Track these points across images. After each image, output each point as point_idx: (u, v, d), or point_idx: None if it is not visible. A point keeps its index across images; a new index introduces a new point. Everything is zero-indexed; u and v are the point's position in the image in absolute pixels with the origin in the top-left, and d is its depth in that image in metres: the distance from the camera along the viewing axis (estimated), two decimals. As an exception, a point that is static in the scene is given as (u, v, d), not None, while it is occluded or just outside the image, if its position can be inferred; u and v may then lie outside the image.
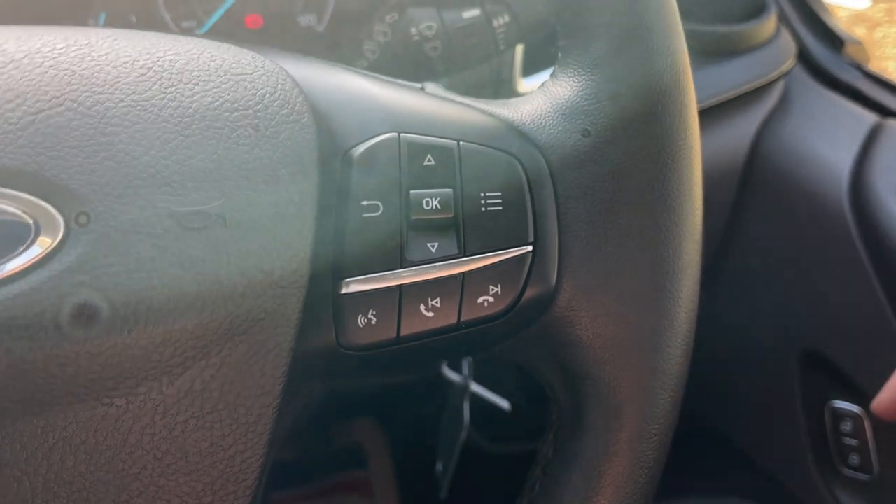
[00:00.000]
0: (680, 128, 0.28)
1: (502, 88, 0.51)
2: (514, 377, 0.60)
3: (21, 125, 0.23)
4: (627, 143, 0.28)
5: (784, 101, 0.65)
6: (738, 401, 0.64)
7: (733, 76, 0.62)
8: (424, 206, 0.27)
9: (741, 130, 0.62)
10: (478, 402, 0.63)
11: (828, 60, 0.69)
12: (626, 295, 0.28)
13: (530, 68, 0.52)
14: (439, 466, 0.60)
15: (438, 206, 0.27)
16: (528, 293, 0.28)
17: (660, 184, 0.28)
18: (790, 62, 0.66)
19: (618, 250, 0.28)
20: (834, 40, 0.71)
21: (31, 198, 0.23)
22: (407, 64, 0.43)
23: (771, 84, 0.65)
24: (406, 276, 0.27)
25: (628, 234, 0.28)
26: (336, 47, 0.48)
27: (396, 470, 0.83)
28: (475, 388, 0.52)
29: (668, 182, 0.28)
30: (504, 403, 0.53)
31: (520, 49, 0.48)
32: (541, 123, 0.29)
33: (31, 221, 0.22)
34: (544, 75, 0.52)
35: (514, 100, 0.30)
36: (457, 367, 0.52)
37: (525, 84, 0.50)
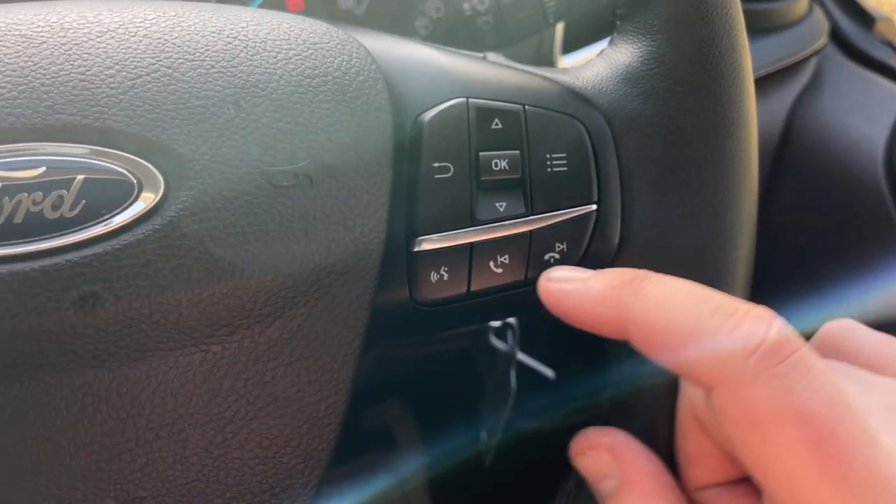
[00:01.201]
0: (738, 90, 0.29)
1: (542, 65, 0.52)
2: (559, 349, 0.61)
3: (122, 90, 0.24)
4: (686, 106, 0.29)
5: (817, 79, 0.66)
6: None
7: (767, 53, 0.62)
8: (493, 167, 0.28)
9: (775, 107, 0.63)
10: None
11: (859, 38, 0.70)
12: (686, 253, 0.29)
13: (568, 47, 0.53)
14: (483, 435, 0.61)
15: (507, 167, 0.28)
16: (592, 250, 0.29)
17: (718, 145, 0.29)
18: (823, 40, 0.67)
19: (677, 210, 0.29)
20: (865, 18, 0.72)
21: (134, 157, 0.24)
22: (459, 38, 0.44)
23: (804, 61, 0.65)
24: (476, 235, 0.28)
25: (688, 193, 0.29)
26: (376, 28, 0.49)
27: (427, 451, 0.84)
28: (521, 356, 0.53)
29: (727, 143, 0.29)
30: (549, 372, 0.54)
31: (560, 27, 0.49)
32: (602, 88, 0.30)
33: (134, 179, 0.24)
34: (583, 53, 0.53)
35: (574, 67, 0.31)
36: (503, 337, 0.54)
37: (565, 61, 0.52)
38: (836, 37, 0.69)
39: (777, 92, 0.64)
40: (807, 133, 0.63)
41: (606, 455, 0.27)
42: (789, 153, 0.63)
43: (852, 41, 0.69)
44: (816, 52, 0.66)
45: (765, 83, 0.63)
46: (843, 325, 0.29)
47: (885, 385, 0.25)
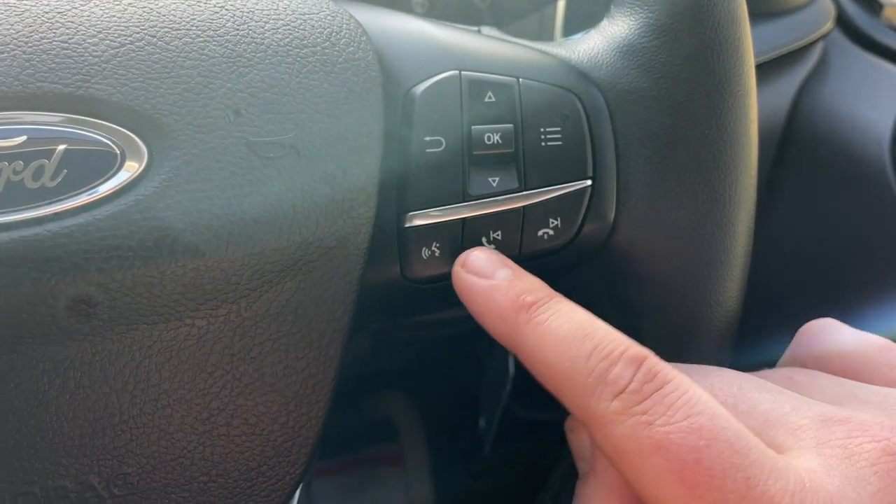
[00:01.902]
0: (736, 63, 0.28)
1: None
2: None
3: (105, 58, 0.24)
4: (684, 80, 0.28)
5: (823, 64, 0.65)
6: (777, 358, 0.64)
7: (772, 38, 0.61)
8: (486, 141, 0.27)
9: (780, 92, 0.62)
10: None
11: (866, 24, 0.69)
12: (683, 230, 0.29)
13: (568, 30, 0.53)
14: (482, 422, 0.61)
15: (500, 141, 0.27)
16: (587, 227, 0.28)
17: (717, 119, 0.28)
18: (829, 25, 0.66)
19: (675, 185, 0.28)
20: (872, 4, 0.71)
21: (117, 127, 0.24)
22: (456, 16, 0.43)
23: (810, 46, 0.64)
24: (468, 210, 0.27)
25: (685, 169, 0.28)
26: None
27: (429, 439, 0.84)
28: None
29: (725, 117, 0.28)
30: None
31: (561, 5, 0.48)
32: (598, 61, 0.29)
33: (116, 149, 0.23)
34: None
35: (570, 40, 0.31)
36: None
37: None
38: (843, 22, 0.68)
39: (782, 77, 0.63)
40: (812, 118, 0.62)
41: (587, 438, 0.27)
42: (794, 139, 0.62)
43: (859, 26, 0.68)
44: (822, 37, 0.65)
45: (770, 68, 0.62)
46: (821, 325, 0.29)
47: (839, 393, 0.25)
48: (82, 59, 0.24)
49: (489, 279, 0.26)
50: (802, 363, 0.29)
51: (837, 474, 0.21)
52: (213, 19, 0.25)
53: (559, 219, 0.28)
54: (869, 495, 0.21)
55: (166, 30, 0.25)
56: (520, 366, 0.56)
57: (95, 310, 0.23)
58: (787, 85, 0.63)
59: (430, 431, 0.84)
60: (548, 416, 0.74)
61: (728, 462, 0.21)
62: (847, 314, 0.58)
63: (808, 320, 0.32)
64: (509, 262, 0.27)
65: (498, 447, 0.69)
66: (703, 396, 0.22)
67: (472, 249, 0.27)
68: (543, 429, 0.73)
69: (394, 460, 0.85)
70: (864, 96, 0.61)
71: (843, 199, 0.59)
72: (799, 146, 0.62)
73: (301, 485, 0.28)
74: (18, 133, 0.23)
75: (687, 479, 0.21)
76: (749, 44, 0.29)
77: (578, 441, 0.28)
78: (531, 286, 0.26)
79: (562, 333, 0.24)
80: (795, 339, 0.30)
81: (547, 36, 0.49)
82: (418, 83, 0.28)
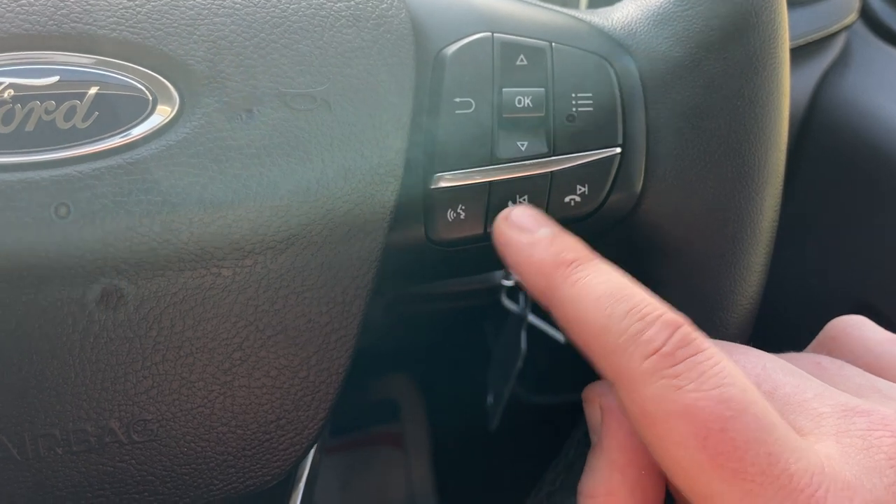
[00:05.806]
0: (772, 36, 0.28)
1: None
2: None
3: (140, 2, 0.24)
4: (718, 50, 0.28)
5: (845, 56, 0.64)
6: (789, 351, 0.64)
7: (793, 26, 0.61)
8: (516, 104, 0.27)
9: (801, 82, 0.62)
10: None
11: (889, 17, 0.68)
12: (710, 203, 0.28)
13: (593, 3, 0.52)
14: (490, 398, 0.61)
15: (530, 105, 0.27)
16: (614, 195, 0.28)
17: (749, 92, 0.28)
18: (852, 16, 0.65)
19: (704, 156, 0.28)
20: (896, -3, 0.70)
21: (149, 71, 0.23)
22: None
23: (832, 37, 0.64)
24: (496, 173, 0.27)
25: (715, 141, 0.28)
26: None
27: (431, 421, 0.85)
28: (532, 319, 0.52)
29: (758, 90, 0.28)
30: (560, 336, 0.54)
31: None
32: (632, 30, 0.29)
33: (148, 94, 0.23)
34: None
35: (603, 8, 0.30)
36: (515, 298, 0.53)
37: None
38: (866, 14, 0.68)
39: (803, 67, 0.62)
40: (832, 111, 0.62)
41: (598, 412, 0.27)
42: (814, 131, 0.62)
43: (882, 19, 0.67)
44: (845, 29, 0.65)
45: (791, 57, 0.61)
46: (849, 321, 0.29)
47: (863, 386, 0.25)
48: (117, 2, 0.23)
49: (531, 234, 0.26)
50: (828, 354, 0.29)
51: (855, 464, 0.21)
52: None
53: (586, 186, 0.28)
54: (884, 487, 0.21)
55: None
56: (531, 345, 0.56)
57: (122, 254, 0.23)
58: (807, 76, 0.62)
59: (432, 413, 0.85)
60: (553, 400, 0.74)
61: (753, 436, 0.21)
62: (864, 310, 0.58)
63: (824, 316, 0.32)
64: (551, 220, 0.27)
65: (502, 428, 0.69)
66: (734, 369, 0.22)
67: (514, 206, 0.27)
68: (548, 412, 0.73)
69: (395, 441, 0.85)
70: (886, 90, 0.61)
71: (862, 193, 0.58)
72: (818, 139, 0.61)
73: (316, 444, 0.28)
74: (51, 73, 0.23)
75: (710, 446, 0.21)
76: (785, 17, 0.29)
77: (592, 411, 0.28)
78: (572, 245, 0.26)
79: (599, 291, 0.24)
80: (824, 330, 0.30)
81: (572, 7, 0.49)
82: (450, 44, 0.27)
